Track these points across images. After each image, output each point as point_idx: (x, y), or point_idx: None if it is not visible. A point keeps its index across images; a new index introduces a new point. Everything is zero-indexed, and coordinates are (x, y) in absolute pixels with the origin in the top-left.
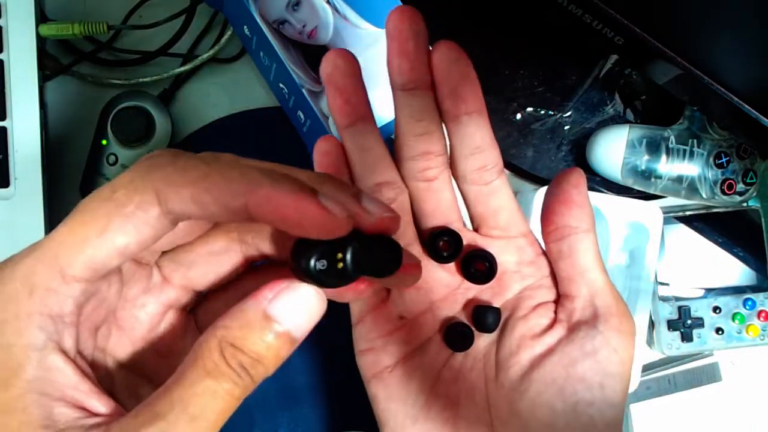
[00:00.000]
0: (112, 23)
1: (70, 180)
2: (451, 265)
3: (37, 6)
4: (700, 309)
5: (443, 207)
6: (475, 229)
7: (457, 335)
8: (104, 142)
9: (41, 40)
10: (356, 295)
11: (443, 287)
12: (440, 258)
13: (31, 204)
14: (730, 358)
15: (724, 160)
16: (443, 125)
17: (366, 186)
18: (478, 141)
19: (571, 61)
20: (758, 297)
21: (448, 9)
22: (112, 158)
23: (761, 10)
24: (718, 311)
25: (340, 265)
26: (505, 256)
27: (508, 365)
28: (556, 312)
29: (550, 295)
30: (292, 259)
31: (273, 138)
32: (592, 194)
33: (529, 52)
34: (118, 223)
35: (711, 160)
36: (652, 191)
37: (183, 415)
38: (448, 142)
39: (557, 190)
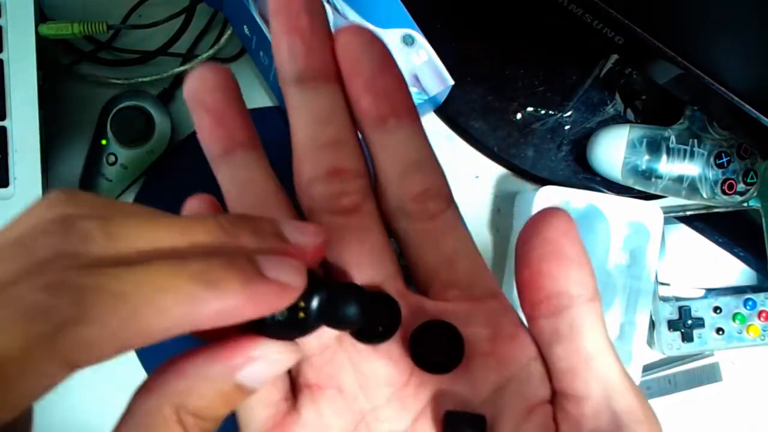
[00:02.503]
0: (112, 23)
1: (70, 180)
2: (391, 349)
3: (36, 6)
4: (701, 309)
5: (372, 254)
6: (422, 291)
7: None
8: (104, 141)
9: (41, 40)
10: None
11: (382, 386)
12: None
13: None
14: (731, 358)
15: (724, 159)
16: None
17: None
18: (413, 154)
19: (571, 60)
20: (759, 297)
21: (448, 9)
22: (111, 158)
23: (761, 9)
24: (718, 311)
25: (302, 314)
26: (471, 328)
27: None
28: (556, 420)
29: (544, 390)
30: None
31: (273, 138)
32: (593, 194)
33: (529, 52)
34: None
35: (711, 160)
36: (652, 191)
37: None
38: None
39: (541, 242)
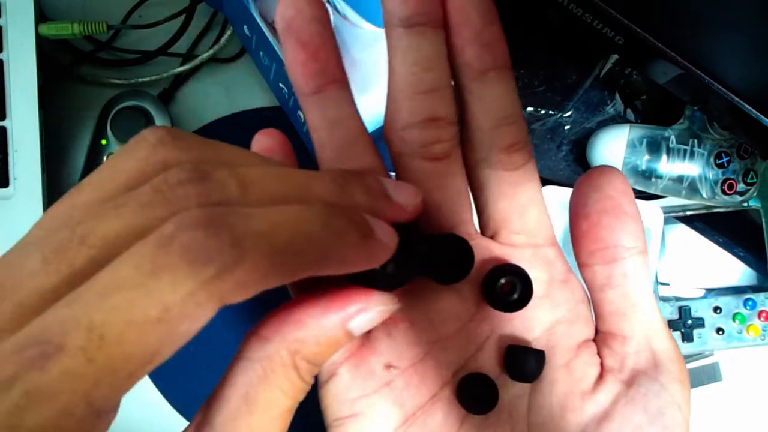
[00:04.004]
0: (112, 23)
1: (70, 180)
2: (461, 288)
3: (36, 6)
4: (701, 309)
5: (452, 200)
6: (490, 234)
7: (476, 391)
8: (104, 141)
9: (41, 40)
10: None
11: (450, 320)
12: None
13: (31, 204)
14: (731, 358)
15: (724, 159)
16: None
17: None
18: (507, 108)
19: (571, 60)
20: (759, 297)
21: None
22: None
23: (761, 9)
24: (718, 311)
25: (395, 268)
26: (532, 272)
27: None
28: (601, 356)
29: (588, 331)
30: None
31: None
32: None
33: (529, 51)
34: None
35: (711, 159)
36: (652, 191)
37: None
38: None
39: (602, 197)
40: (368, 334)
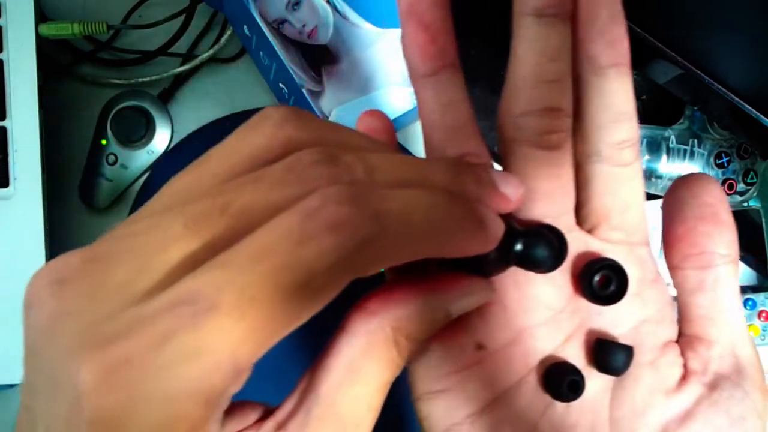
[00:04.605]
0: (112, 23)
1: (70, 180)
2: (558, 277)
3: (36, 6)
4: None
5: (559, 190)
6: (588, 228)
7: (563, 380)
8: (104, 141)
9: (41, 40)
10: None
11: (542, 308)
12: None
13: (31, 204)
14: None
15: (724, 159)
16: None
17: (446, 155)
18: (623, 105)
19: None
20: (758, 297)
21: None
22: (111, 158)
23: (761, 9)
24: None
25: (498, 256)
26: (626, 270)
27: (630, 428)
28: (684, 357)
29: (672, 332)
30: None
31: None
32: None
33: None
34: None
35: (711, 160)
36: (652, 191)
37: (368, 414)
38: None
39: (700, 203)
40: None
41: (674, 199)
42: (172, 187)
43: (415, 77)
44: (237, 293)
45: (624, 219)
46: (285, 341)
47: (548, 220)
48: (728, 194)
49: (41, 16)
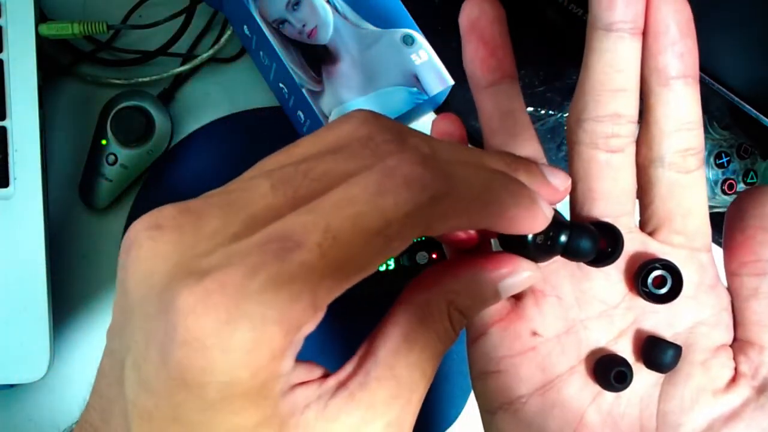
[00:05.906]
0: (112, 23)
1: (70, 180)
2: (614, 274)
3: (36, 6)
4: None
5: (620, 192)
6: (649, 231)
7: (613, 372)
8: (104, 141)
9: (41, 40)
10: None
11: (596, 302)
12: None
13: (31, 204)
14: None
15: (724, 159)
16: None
17: None
18: (690, 115)
19: (571, 60)
20: None
21: (448, 9)
22: (111, 158)
23: (761, 9)
24: None
25: (549, 243)
26: (684, 273)
27: (676, 422)
28: (736, 361)
29: (727, 337)
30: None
31: (273, 138)
32: None
33: (529, 52)
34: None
35: (711, 160)
36: None
37: (422, 380)
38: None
39: (759, 213)
40: (518, 303)
41: (737, 210)
42: (263, 164)
43: (476, 88)
44: (321, 233)
45: (686, 224)
46: (317, 334)
47: (608, 220)
48: (728, 194)
49: (41, 16)
